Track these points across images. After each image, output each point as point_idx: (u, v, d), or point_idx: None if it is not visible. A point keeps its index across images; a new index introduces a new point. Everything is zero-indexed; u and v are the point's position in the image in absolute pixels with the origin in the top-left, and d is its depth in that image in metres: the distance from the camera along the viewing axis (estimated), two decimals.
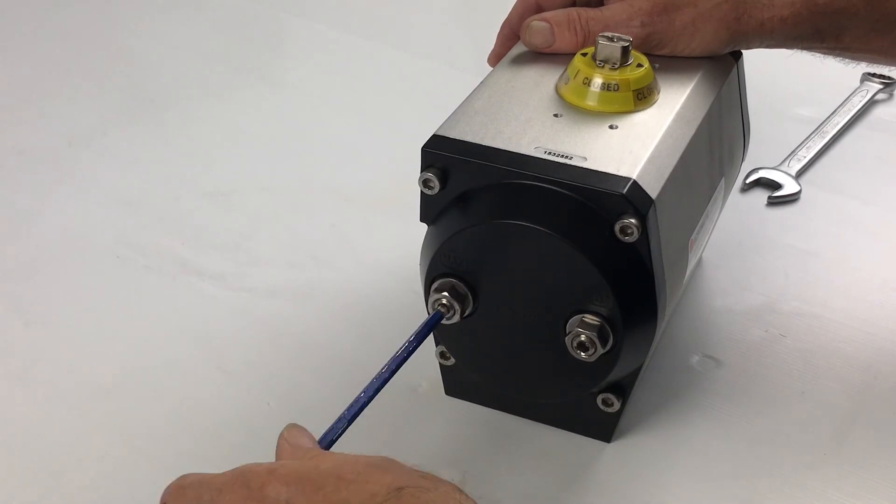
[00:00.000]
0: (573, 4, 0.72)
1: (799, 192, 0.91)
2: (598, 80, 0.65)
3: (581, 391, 0.66)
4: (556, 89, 0.67)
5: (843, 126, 0.98)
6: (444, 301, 0.62)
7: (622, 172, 0.60)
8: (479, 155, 0.61)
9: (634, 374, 0.66)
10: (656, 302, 0.62)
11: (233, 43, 1.14)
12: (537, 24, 0.69)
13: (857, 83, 1.03)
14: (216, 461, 0.60)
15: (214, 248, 0.85)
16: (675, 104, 0.67)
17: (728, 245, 0.83)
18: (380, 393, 0.57)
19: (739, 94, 0.76)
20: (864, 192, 0.91)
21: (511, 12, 0.74)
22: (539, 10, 0.72)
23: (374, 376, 0.57)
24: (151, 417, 0.70)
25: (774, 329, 0.77)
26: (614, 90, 0.66)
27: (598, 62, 0.66)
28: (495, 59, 0.74)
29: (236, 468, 0.49)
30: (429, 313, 0.62)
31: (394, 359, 0.59)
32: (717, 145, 0.72)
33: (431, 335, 0.63)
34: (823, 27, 0.69)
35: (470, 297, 0.63)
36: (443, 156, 0.62)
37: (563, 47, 0.69)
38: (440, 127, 0.63)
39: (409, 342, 0.60)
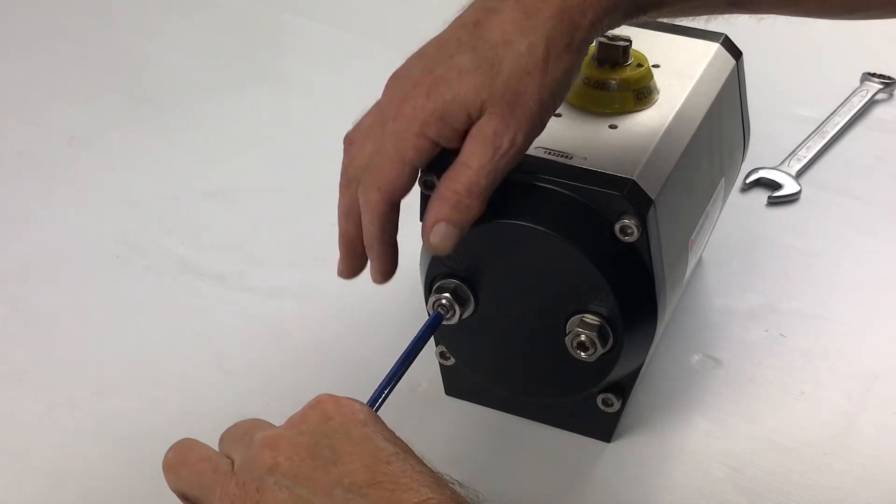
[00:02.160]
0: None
1: (799, 192, 0.90)
2: (598, 80, 0.65)
3: (581, 391, 0.66)
4: None
5: (843, 126, 0.98)
6: (445, 301, 0.62)
7: (622, 172, 0.60)
8: None
9: (634, 374, 0.66)
10: (656, 302, 0.62)
11: (233, 43, 1.14)
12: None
13: (857, 83, 1.03)
14: None
15: (214, 248, 0.85)
16: (675, 104, 0.67)
17: (728, 245, 0.83)
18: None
19: (739, 94, 0.76)
20: (864, 192, 0.91)
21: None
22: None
23: (379, 383, 0.57)
24: (151, 417, 0.70)
25: (774, 329, 0.77)
26: (614, 90, 0.66)
27: (597, 62, 0.66)
28: (347, 272, 0.63)
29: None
30: (429, 314, 0.62)
31: (397, 364, 0.58)
32: (717, 145, 0.72)
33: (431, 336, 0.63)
34: None
35: (470, 298, 0.63)
36: (443, 156, 0.62)
37: None
38: None
39: (412, 345, 0.59)
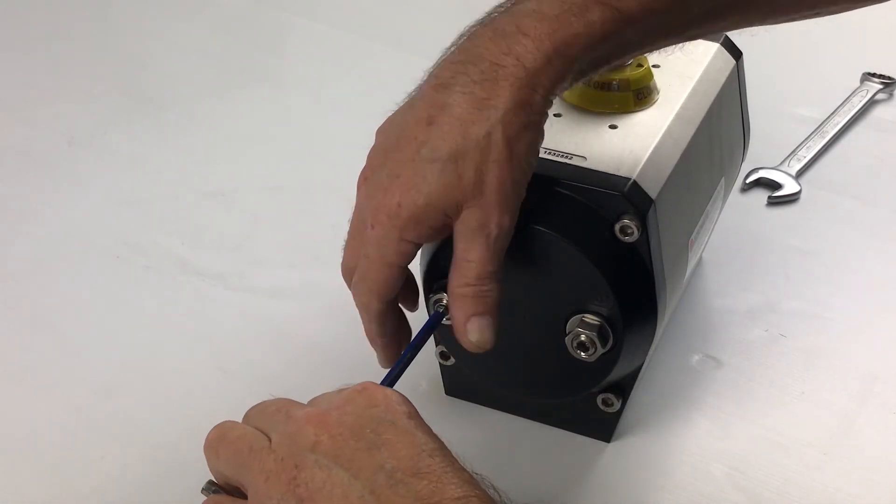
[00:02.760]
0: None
1: (799, 192, 0.90)
2: (598, 81, 0.65)
3: (581, 391, 0.66)
4: None
5: (843, 126, 0.98)
6: (445, 301, 0.62)
7: (622, 172, 0.60)
8: None
9: (634, 374, 0.66)
10: (656, 302, 0.62)
11: (233, 43, 1.14)
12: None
13: (857, 83, 1.03)
14: None
15: (214, 248, 0.85)
16: (675, 104, 0.67)
17: (728, 245, 0.83)
18: None
19: (739, 94, 0.76)
20: (864, 192, 0.91)
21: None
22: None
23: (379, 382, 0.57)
24: (151, 417, 0.70)
25: (774, 329, 0.77)
26: (614, 90, 0.66)
27: None
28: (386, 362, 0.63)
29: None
30: (429, 313, 0.62)
31: (397, 364, 0.58)
32: (717, 145, 0.72)
33: (431, 335, 0.63)
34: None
35: None
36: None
37: None
38: None
39: (412, 345, 0.59)
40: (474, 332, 0.57)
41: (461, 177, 0.54)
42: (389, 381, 0.57)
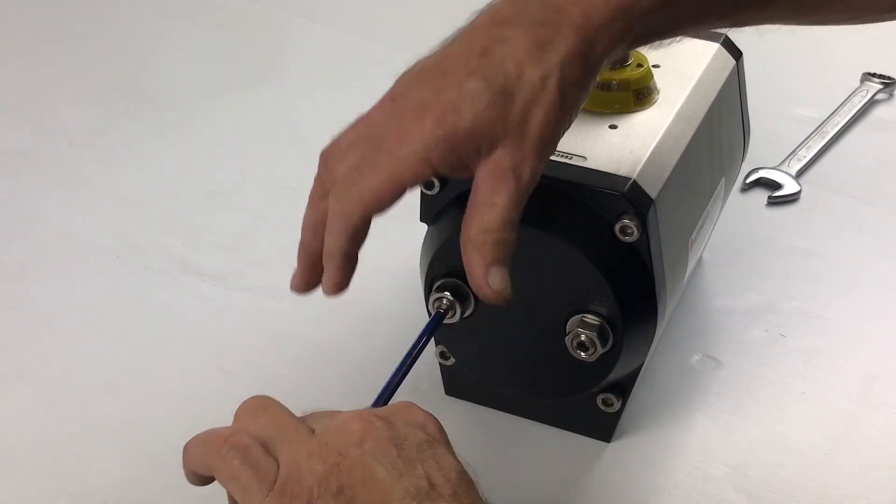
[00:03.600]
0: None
1: (799, 192, 0.90)
2: (598, 80, 0.65)
3: (581, 391, 0.66)
4: None
5: (843, 126, 0.98)
6: (445, 301, 0.62)
7: (622, 172, 0.60)
8: None
9: (634, 374, 0.66)
10: (656, 302, 0.62)
11: (233, 43, 1.14)
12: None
13: (857, 83, 1.03)
14: None
15: (214, 248, 0.85)
16: (675, 104, 0.67)
17: (728, 245, 0.83)
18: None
19: (739, 94, 0.76)
20: (864, 192, 0.91)
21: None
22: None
23: (381, 383, 0.57)
24: (151, 417, 0.70)
25: (774, 329, 0.77)
26: (614, 90, 0.66)
27: None
28: (303, 285, 0.62)
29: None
30: (429, 313, 0.62)
31: (400, 365, 0.58)
32: (717, 145, 0.72)
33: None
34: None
35: (470, 297, 0.62)
36: None
37: None
38: None
39: (414, 346, 0.59)
40: (497, 281, 0.53)
41: (508, 113, 0.52)
42: (391, 387, 0.57)
